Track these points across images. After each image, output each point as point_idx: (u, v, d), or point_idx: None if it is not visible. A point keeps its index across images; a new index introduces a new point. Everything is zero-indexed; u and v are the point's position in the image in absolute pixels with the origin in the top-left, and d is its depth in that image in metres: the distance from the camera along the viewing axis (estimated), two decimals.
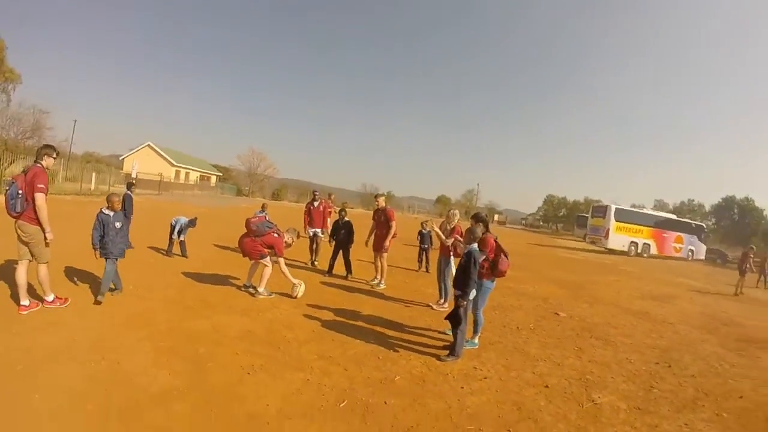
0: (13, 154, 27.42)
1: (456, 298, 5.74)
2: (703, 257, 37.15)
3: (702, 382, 5.95)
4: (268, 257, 7.80)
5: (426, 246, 13.00)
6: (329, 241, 10.94)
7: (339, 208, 10.91)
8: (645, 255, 32.62)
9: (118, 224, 6.64)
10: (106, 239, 6.50)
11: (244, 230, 7.83)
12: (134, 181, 13.76)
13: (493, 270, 6.28)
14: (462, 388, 4.86)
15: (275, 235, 7.80)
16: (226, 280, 8.69)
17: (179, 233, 10.44)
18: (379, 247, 9.68)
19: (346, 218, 10.41)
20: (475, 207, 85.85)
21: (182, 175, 64.44)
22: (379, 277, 9.91)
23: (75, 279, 7.48)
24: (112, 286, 6.81)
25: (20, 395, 3.72)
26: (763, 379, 6.37)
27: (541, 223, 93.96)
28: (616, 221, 31.64)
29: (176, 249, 10.61)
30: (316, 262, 11.64)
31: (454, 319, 5.66)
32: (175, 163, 63.20)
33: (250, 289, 7.95)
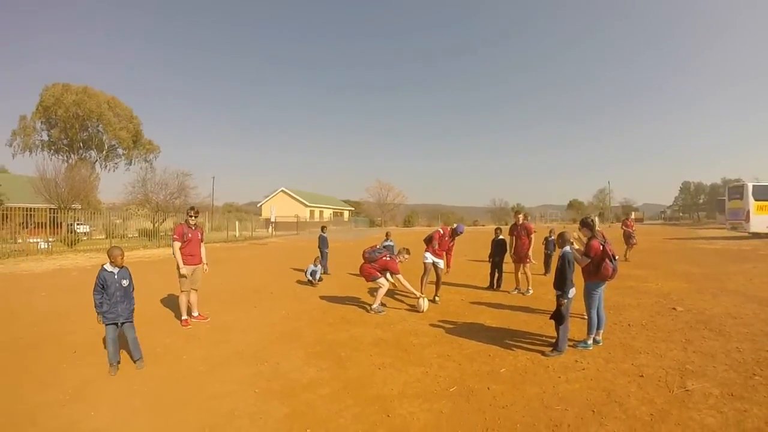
0: (165, 213, 32.92)
1: (557, 297, 6.31)
2: None
3: None
4: (382, 278, 9.18)
5: (550, 252, 13.71)
6: (488, 259, 12.03)
7: (495, 227, 12.18)
8: None
9: (125, 282, 6.00)
10: (113, 300, 5.82)
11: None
12: (325, 225, 17.62)
13: (596, 273, 6.56)
14: (559, 377, 5.48)
15: (386, 258, 9.24)
16: (361, 301, 10.14)
17: (313, 275, 12.70)
18: (521, 259, 10.94)
19: (501, 236, 11.74)
20: (609, 207, 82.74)
21: (317, 214, 68.45)
22: (527, 284, 11.03)
23: (234, 303, 9.34)
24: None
25: (204, 386, 5.28)
26: None
27: (681, 214, 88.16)
28: (756, 200, 27.58)
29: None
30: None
31: (557, 317, 6.25)
32: (309, 204, 67.47)
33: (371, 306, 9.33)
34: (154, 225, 30.78)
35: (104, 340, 6.35)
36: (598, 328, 6.73)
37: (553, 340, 6.55)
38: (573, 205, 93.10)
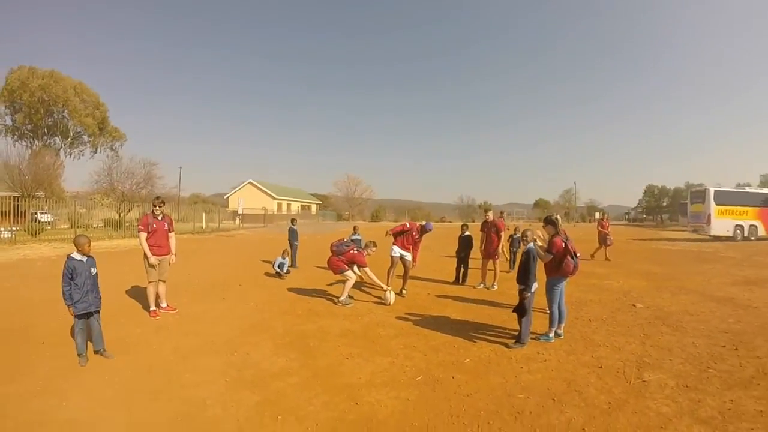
0: (131, 203, 32.74)
1: (519, 291, 6.53)
2: None
3: (766, 364, 5.88)
4: (350, 271, 9.37)
5: (515, 249, 14.18)
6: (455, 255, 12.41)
7: (461, 224, 12.49)
8: (753, 238, 29.88)
9: (93, 270, 6.01)
10: (84, 290, 5.78)
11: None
12: (295, 218, 17.92)
13: (558, 269, 6.82)
14: (521, 368, 5.74)
15: (354, 251, 9.43)
16: (328, 294, 10.30)
17: (281, 267, 12.91)
18: (491, 255, 11.29)
19: (467, 232, 12.08)
20: (575, 207, 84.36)
21: (284, 207, 68.31)
22: (493, 279, 11.42)
23: (203, 295, 9.43)
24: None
25: (176, 376, 5.38)
26: None
27: (644, 215, 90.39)
28: (717, 205, 29.09)
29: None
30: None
31: (520, 310, 6.49)
32: (276, 196, 67.29)
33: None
34: (119, 215, 30.34)
35: (71, 331, 6.42)
36: (560, 322, 6.99)
37: (517, 333, 6.78)
38: (539, 204, 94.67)
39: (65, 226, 28.90)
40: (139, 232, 7.94)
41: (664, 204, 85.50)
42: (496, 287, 11.13)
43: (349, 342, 6.78)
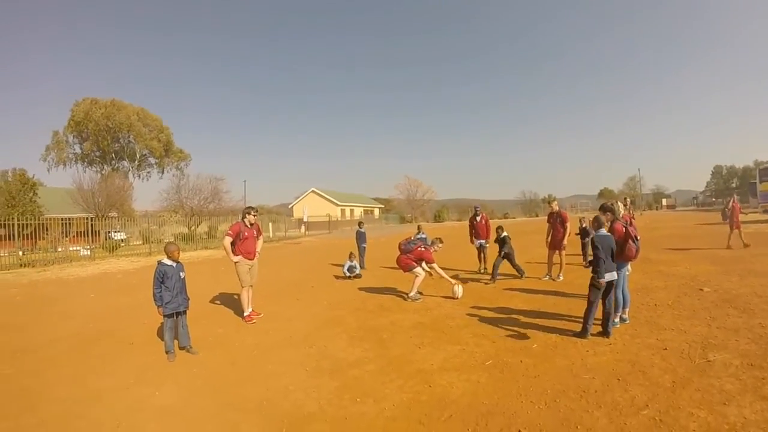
0: (199, 217, 34.56)
1: (591, 278, 6.43)
2: None
3: None
4: (419, 268, 9.63)
5: (586, 240, 13.92)
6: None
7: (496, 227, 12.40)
8: None
9: (182, 274, 6.58)
10: (174, 292, 6.36)
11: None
12: (362, 221, 18.24)
13: (621, 254, 6.81)
14: (587, 351, 5.85)
15: (421, 248, 9.69)
16: (398, 291, 10.60)
17: (350, 270, 13.24)
18: (557, 246, 11.33)
19: (503, 234, 11.93)
20: (640, 194, 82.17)
21: (347, 213, 69.08)
22: (559, 270, 11.40)
23: (278, 296, 9.93)
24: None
25: (258, 367, 5.84)
26: None
27: (713, 199, 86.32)
28: None
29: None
30: (482, 270, 13.22)
31: (590, 298, 6.44)
32: (339, 203, 68.29)
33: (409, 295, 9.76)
34: (189, 229, 32.00)
35: (158, 332, 7.14)
36: (624, 307, 7.03)
37: (582, 319, 6.79)
38: (603, 194, 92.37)
39: (138, 242, 30.65)
40: (225, 236, 8.35)
41: (733, 185, 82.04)
42: (562, 278, 11.14)
43: (420, 333, 7.05)
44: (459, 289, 9.59)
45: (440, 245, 10.22)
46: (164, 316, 6.34)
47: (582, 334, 6.41)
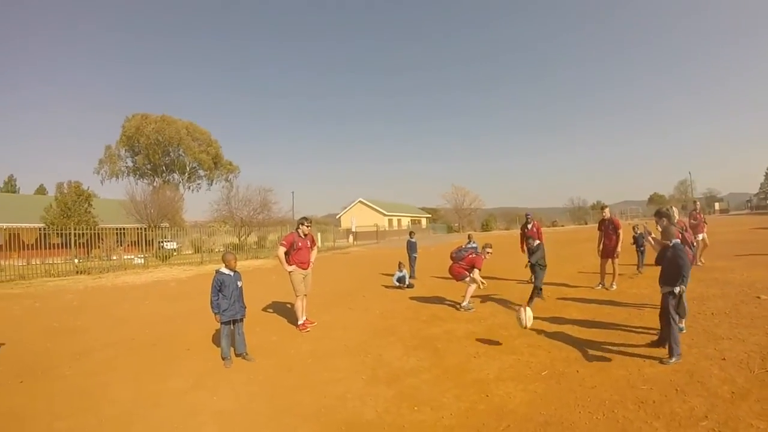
0: (249, 228, 35.66)
1: (663, 295, 6.03)
2: None
3: None
4: (470, 277, 9.56)
5: (642, 248, 13.65)
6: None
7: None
8: None
9: (239, 283, 6.77)
10: (231, 300, 6.55)
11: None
12: (413, 231, 18.20)
13: None
14: (644, 361, 5.74)
15: (473, 255, 9.63)
16: (450, 300, 10.55)
17: (401, 280, 13.23)
18: (610, 254, 11.03)
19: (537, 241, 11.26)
20: (692, 198, 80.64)
21: (395, 222, 69.28)
22: (612, 279, 11.10)
23: (331, 305, 10.04)
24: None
25: (314, 374, 5.93)
26: None
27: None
28: None
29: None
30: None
31: (666, 316, 5.95)
32: (387, 213, 68.50)
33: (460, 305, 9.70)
34: (239, 239, 32.84)
35: (213, 338, 7.36)
36: (681, 317, 6.87)
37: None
38: (653, 199, 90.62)
39: (189, 252, 31.45)
40: (279, 246, 8.58)
41: None
42: (615, 287, 10.86)
43: (474, 342, 7.04)
44: (524, 315, 6.87)
45: (490, 251, 10.10)
46: (221, 323, 6.50)
47: (673, 355, 5.74)
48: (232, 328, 6.63)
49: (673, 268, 5.93)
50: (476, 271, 9.55)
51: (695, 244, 6.89)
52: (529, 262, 10.40)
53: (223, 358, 6.49)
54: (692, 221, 13.79)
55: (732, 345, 6.20)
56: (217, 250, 29.79)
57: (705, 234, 13.86)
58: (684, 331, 6.80)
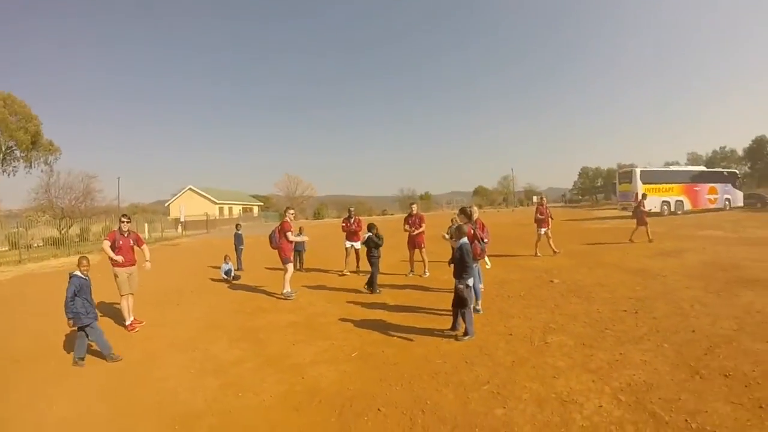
0: (71, 219, 32.21)
1: (456, 286, 6.86)
2: (741, 204, 36.99)
3: (660, 323, 6.82)
4: (289, 264, 10.47)
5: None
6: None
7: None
8: (679, 212, 32.69)
9: (90, 286, 6.97)
10: (86, 304, 6.70)
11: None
12: (239, 223, 18.97)
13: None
14: (442, 340, 6.76)
15: (279, 230, 10.48)
16: (274, 292, 11.16)
17: (228, 273, 13.75)
18: (418, 245, 12.44)
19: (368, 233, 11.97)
20: (513, 192, 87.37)
21: (226, 211, 68.10)
22: (423, 267, 12.43)
23: (158, 303, 10.27)
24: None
25: (147, 373, 6.31)
26: (728, 315, 7.00)
27: (580, 197, 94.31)
28: (644, 183, 31.32)
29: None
30: (346, 273, 13.59)
31: (459, 303, 6.90)
32: (217, 201, 66.92)
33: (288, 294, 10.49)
34: (60, 232, 29.50)
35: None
36: (477, 299, 8.08)
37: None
38: (478, 191, 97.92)
39: (4, 248, 26.08)
40: (104, 239, 8.56)
41: (599, 184, 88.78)
42: (428, 274, 12.16)
43: (295, 331, 7.81)
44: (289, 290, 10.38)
45: (292, 212, 11.17)
46: (78, 327, 6.60)
47: (467, 333, 6.82)
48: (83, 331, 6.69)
49: (461, 265, 6.87)
50: (289, 234, 10.27)
51: (485, 240, 8.14)
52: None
53: (76, 361, 6.69)
54: (539, 216, 15.23)
55: (520, 322, 7.44)
56: (35, 245, 27.04)
57: (548, 229, 15.19)
58: (481, 313, 8.05)
